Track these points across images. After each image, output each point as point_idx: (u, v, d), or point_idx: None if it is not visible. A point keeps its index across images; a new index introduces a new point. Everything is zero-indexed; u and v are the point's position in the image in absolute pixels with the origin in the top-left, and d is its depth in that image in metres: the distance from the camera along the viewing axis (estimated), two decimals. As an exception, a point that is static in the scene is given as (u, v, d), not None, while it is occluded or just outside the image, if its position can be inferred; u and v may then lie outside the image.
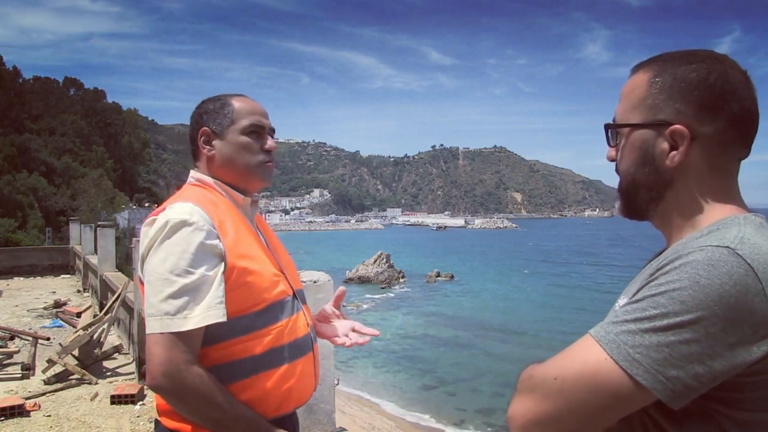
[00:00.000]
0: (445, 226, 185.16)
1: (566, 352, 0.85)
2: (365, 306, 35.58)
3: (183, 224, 1.34)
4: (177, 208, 1.38)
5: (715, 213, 0.89)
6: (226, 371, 1.38)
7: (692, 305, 0.76)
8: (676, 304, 0.77)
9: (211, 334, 1.36)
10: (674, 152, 0.89)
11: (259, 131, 1.55)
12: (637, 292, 0.84)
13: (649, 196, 0.94)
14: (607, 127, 0.99)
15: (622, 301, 0.94)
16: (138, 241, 1.51)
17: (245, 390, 1.40)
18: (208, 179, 1.54)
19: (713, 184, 0.91)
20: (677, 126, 0.88)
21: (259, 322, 1.41)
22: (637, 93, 0.94)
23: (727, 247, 0.79)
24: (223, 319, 1.34)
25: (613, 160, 0.99)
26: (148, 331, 1.33)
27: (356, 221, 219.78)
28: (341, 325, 1.70)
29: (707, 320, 0.75)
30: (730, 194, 0.91)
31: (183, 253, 1.32)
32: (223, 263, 1.37)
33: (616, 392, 0.79)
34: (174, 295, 1.31)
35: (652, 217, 0.96)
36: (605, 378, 0.79)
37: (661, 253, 0.95)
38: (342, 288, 1.75)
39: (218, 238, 1.38)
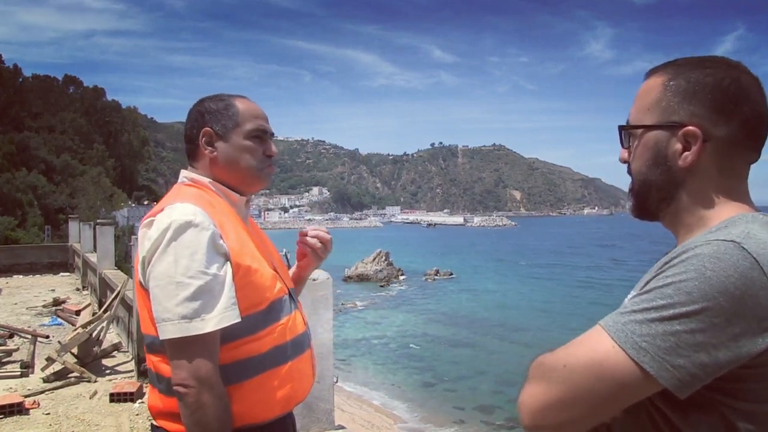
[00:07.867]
0: (435, 224, 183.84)
1: (576, 341, 0.87)
2: (364, 304, 35.63)
3: (188, 225, 1.32)
4: (178, 209, 1.35)
5: (723, 212, 0.92)
6: (233, 371, 1.37)
7: (697, 296, 0.78)
8: (682, 295, 0.79)
9: (221, 335, 1.35)
10: (687, 153, 0.91)
11: (262, 136, 1.53)
12: (646, 284, 0.86)
13: (660, 196, 0.96)
14: (621, 128, 1.01)
15: (632, 294, 0.97)
16: (137, 239, 1.49)
17: (253, 389, 1.40)
18: (203, 179, 1.50)
19: (723, 185, 0.93)
20: (691, 127, 0.90)
21: (264, 321, 1.41)
22: (651, 95, 0.96)
23: (733, 241, 0.81)
24: (239, 320, 1.33)
25: (625, 162, 1.01)
26: (164, 336, 1.30)
27: (351, 219, 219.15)
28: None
29: (712, 311, 0.77)
30: (739, 195, 0.94)
31: (193, 254, 1.30)
32: (228, 263, 1.36)
33: (623, 380, 0.81)
34: (190, 298, 1.28)
35: (662, 217, 0.99)
36: (613, 366, 0.81)
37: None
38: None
39: (222, 238, 1.36)
